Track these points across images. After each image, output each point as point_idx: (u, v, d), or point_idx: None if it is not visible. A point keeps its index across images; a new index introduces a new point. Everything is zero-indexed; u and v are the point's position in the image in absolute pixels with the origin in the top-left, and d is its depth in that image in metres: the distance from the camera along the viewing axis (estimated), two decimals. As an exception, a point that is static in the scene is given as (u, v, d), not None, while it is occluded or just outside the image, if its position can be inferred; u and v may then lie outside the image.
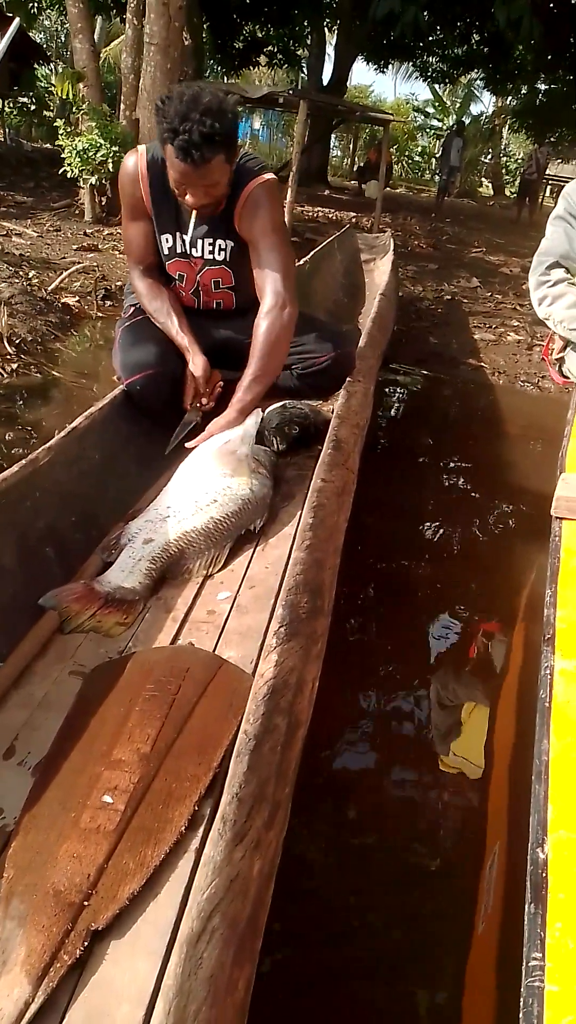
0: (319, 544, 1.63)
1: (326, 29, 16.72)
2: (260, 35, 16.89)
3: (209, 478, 2.04)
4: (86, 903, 1.07)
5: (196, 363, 2.28)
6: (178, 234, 2.29)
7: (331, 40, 17.55)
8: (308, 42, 17.07)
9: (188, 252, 2.32)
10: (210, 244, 2.31)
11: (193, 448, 2.15)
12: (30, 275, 5.51)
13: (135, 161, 2.21)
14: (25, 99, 14.93)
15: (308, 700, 1.32)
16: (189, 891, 1.09)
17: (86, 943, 1.02)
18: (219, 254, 2.34)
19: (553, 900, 0.87)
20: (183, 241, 2.30)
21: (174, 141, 1.94)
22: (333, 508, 1.85)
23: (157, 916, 1.06)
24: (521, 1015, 0.78)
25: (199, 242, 2.30)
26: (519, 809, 1.82)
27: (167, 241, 2.30)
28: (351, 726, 2.11)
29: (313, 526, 1.66)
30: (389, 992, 1.45)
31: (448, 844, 1.79)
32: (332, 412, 2.68)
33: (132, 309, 2.46)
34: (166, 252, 2.32)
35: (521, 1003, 0.79)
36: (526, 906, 0.88)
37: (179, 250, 2.32)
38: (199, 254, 2.33)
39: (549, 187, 20.70)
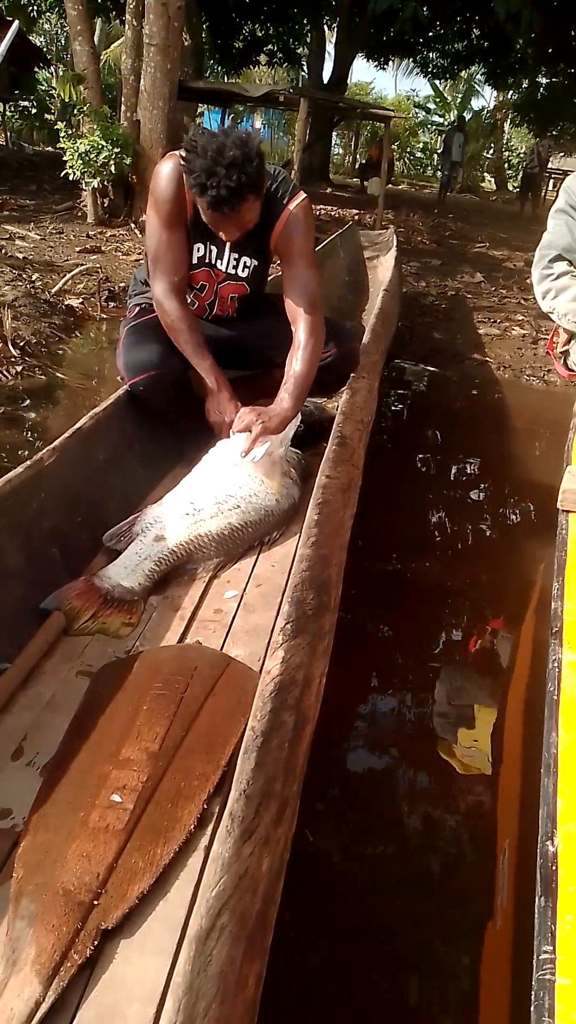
0: (325, 540, 1.63)
1: (325, 27, 16.69)
2: (260, 34, 16.85)
3: (239, 478, 2.03)
4: (96, 902, 1.07)
5: (227, 408, 2.23)
6: (209, 244, 2.29)
7: (331, 38, 17.53)
8: (308, 40, 17.02)
9: (214, 263, 2.33)
10: (235, 259, 2.34)
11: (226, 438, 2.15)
12: (33, 278, 5.52)
13: (175, 165, 2.12)
14: (26, 102, 14.97)
15: (316, 696, 1.32)
16: (197, 889, 1.09)
17: (96, 942, 1.02)
18: (243, 271, 2.37)
19: (563, 893, 0.87)
20: (212, 251, 2.31)
21: (203, 195, 1.96)
22: (338, 504, 1.85)
23: (167, 914, 1.06)
24: (532, 1008, 0.78)
25: (225, 254, 2.31)
26: (530, 803, 1.82)
27: (199, 250, 2.29)
28: (358, 722, 2.11)
29: (319, 523, 1.65)
30: (403, 987, 1.44)
31: (460, 839, 1.78)
32: (336, 409, 2.68)
33: (137, 309, 2.45)
34: (195, 261, 2.31)
35: (532, 996, 0.79)
36: (536, 899, 0.88)
37: (207, 260, 2.33)
38: (223, 267, 2.34)
39: (552, 180, 20.65)
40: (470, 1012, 1.40)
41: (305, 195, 2.31)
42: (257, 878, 0.91)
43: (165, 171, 2.16)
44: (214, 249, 2.30)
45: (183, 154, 1.99)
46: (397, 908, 1.58)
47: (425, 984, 1.44)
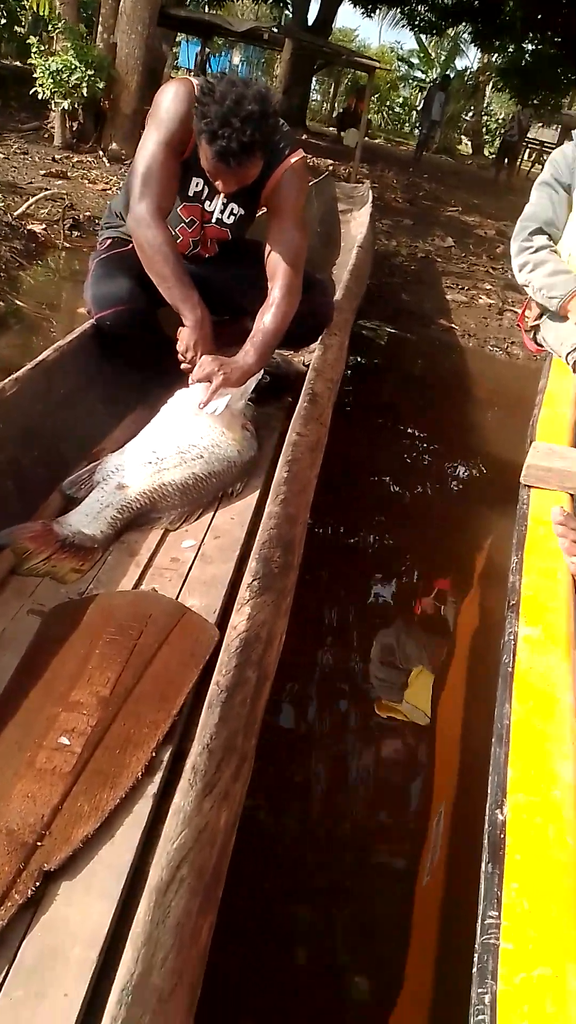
0: (292, 499, 1.62)
1: (315, -35, 16.23)
2: (247, -34, 16.36)
3: (200, 429, 1.99)
4: (39, 843, 1.06)
5: (199, 347, 2.14)
6: (206, 183, 2.20)
7: (320, -22, 17.04)
8: (296, -23, 16.55)
9: (203, 202, 2.26)
10: (223, 204, 2.27)
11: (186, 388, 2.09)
12: (-4, 198, 5.32)
13: (188, 90, 2.00)
14: (-5, 11, 14.26)
15: (276, 654, 1.32)
16: (146, 835, 1.09)
17: (38, 883, 1.01)
18: (228, 217, 2.31)
19: (510, 861, 0.89)
20: (205, 190, 2.23)
21: (212, 143, 1.89)
22: (307, 463, 1.84)
23: (112, 859, 1.05)
24: (475, 970, 0.80)
25: (216, 197, 2.25)
26: (468, 767, 1.87)
27: (196, 184, 2.21)
28: (302, 678, 2.12)
29: (288, 480, 1.64)
30: (331, 946, 1.48)
31: (395, 798, 1.82)
32: (304, 364, 2.65)
33: (109, 242, 2.38)
34: (191, 194, 2.23)
35: (475, 959, 0.81)
36: (483, 865, 0.90)
37: (201, 197, 2.25)
38: (211, 208, 2.28)
39: (528, 150, 20.59)
40: (402, 967, 1.44)
41: (304, 152, 2.25)
42: (215, 832, 0.91)
43: (178, 92, 2.03)
44: (207, 189, 2.23)
45: (198, 95, 1.91)
46: (327, 865, 1.61)
47: (353, 940, 1.48)
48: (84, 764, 1.19)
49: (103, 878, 1.03)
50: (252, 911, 1.44)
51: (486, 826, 0.95)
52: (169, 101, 2.05)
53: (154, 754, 1.21)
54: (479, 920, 0.85)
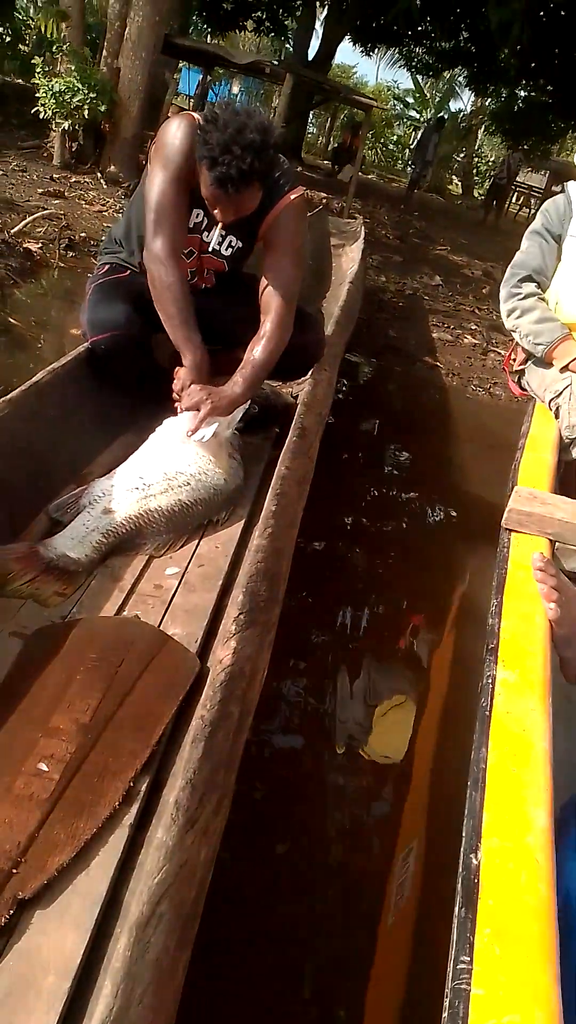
0: (280, 532, 1.64)
1: (317, 3, 16.49)
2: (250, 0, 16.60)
3: (187, 456, 2.01)
4: (14, 871, 1.06)
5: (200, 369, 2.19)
6: (205, 213, 2.24)
7: (321, 15, 17.31)
8: (298, 14, 16.80)
9: (203, 236, 2.30)
10: (221, 236, 2.30)
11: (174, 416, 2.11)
12: (-8, 214, 5.35)
13: (191, 126, 2.05)
14: (0, 29, 14.36)
15: (258, 688, 1.33)
16: (121, 866, 1.09)
17: (12, 911, 1.01)
18: (226, 249, 2.34)
19: (483, 906, 0.90)
20: (205, 221, 2.27)
21: (212, 170, 1.93)
22: (294, 497, 1.86)
23: (87, 889, 1.05)
24: (446, 1015, 0.81)
25: (214, 229, 2.28)
26: (437, 808, 1.87)
27: (197, 215, 2.25)
28: (274, 712, 2.13)
29: (276, 514, 1.66)
30: (296, 980, 1.47)
31: (364, 835, 1.83)
32: (292, 396, 2.68)
33: (107, 267, 2.40)
34: (191, 225, 2.26)
35: (446, 1004, 0.82)
36: (456, 909, 0.91)
37: (200, 228, 2.29)
38: (209, 239, 2.31)
39: (516, 193, 20.96)
40: (362, 1005, 1.44)
41: (304, 190, 2.29)
42: (195, 867, 0.92)
43: (181, 127, 2.08)
44: (207, 219, 2.26)
45: (201, 122, 1.95)
46: (294, 903, 1.61)
47: (317, 978, 1.48)
48: (62, 791, 1.19)
49: (77, 908, 1.03)
50: (216, 950, 1.44)
51: (460, 870, 0.96)
52: (173, 137, 2.09)
53: (131, 784, 1.21)
54: (451, 964, 0.85)
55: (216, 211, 2.09)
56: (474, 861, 0.96)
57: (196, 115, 2.08)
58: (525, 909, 0.90)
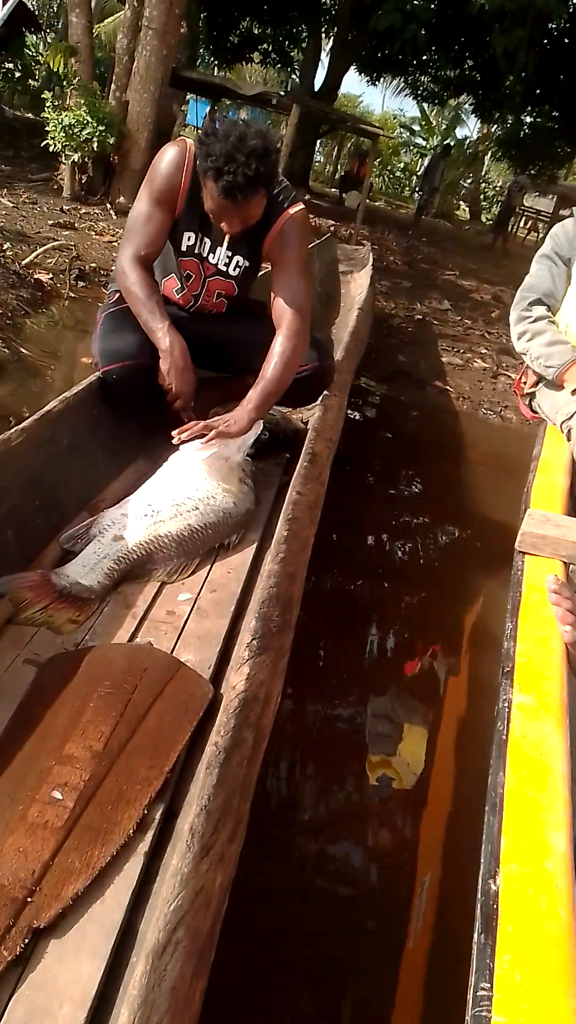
0: (292, 557, 1.64)
1: (323, 35, 16.75)
2: (256, 32, 16.85)
3: (196, 481, 2.02)
4: (29, 899, 1.06)
5: (182, 379, 2.21)
6: (202, 235, 2.28)
7: (327, 46, 17.58)
8: (304, 45, 17.06)
9: (205, 255, 2.32)
10: (228, 256, 2.33)
11: (186, 442, 2.11)
12: (4, 247, 5.41)
13: (181, 151, 2.16)
14: (11, 65, 14.63)
15: (272, 714, 1.32)
16: (136, 894, 1.09)
17: (27, 940, 1.00)
18: (233, 269, 2.36)
19: (503, 932, 0.89)
20: (206, 244, 2.30)
21: (218, 180, 1.97)
22: (306, 521, 1.86)
23: (103, 917, 1.05)
24: (467, 1044, 0.80)
25: (218, 250, 2.31)
26: (456, 833, 1.86)
27: (188, 239, 2.29)
28: (291, 736, 2.12)
29: (288, 539, 1.66)
30: (315, 1008, 1.46)
31: (381, 863, 1.81)
32: (303, 422, 2.70)
33: (116, 296, 2.43)
34: (183, 248, 2.30)
35: (467, 1033, 0.81)
36: (475, 936, 0.90)
37: (197, 250, 2.32)
38: (215, 261, 2.34)
39: (524, 218, 21.08)
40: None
41: (304, 204, 2.32)
42: (211, 894, 0.91)
43: (171, 153, 2.18)
44: (208, 242, 2.29)
45: (201, 136, 2.00)
46: (310, 933, 1.59)
47: (336, 1008, 1.46)
48: (76, 819, 1.18)
49: (93, 936, 1.02)
50: (235, 977, 1.42)
51: (479, 896, 0.95)
52: (160, 161, 2.20)
53: (146, 811, 1.21)
54: (470, 992, 0.84)
55: (222, 223, 2.12)
56: (493, 887, 0.95)
57: (189, 140, 2.16)
58: (545, 935, 0.89)
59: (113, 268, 2.63)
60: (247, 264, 2.37)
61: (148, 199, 2.23)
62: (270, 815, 1.81)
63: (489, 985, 0.83)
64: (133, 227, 2.26)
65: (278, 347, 2.22)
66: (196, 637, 1.68)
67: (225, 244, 2.25)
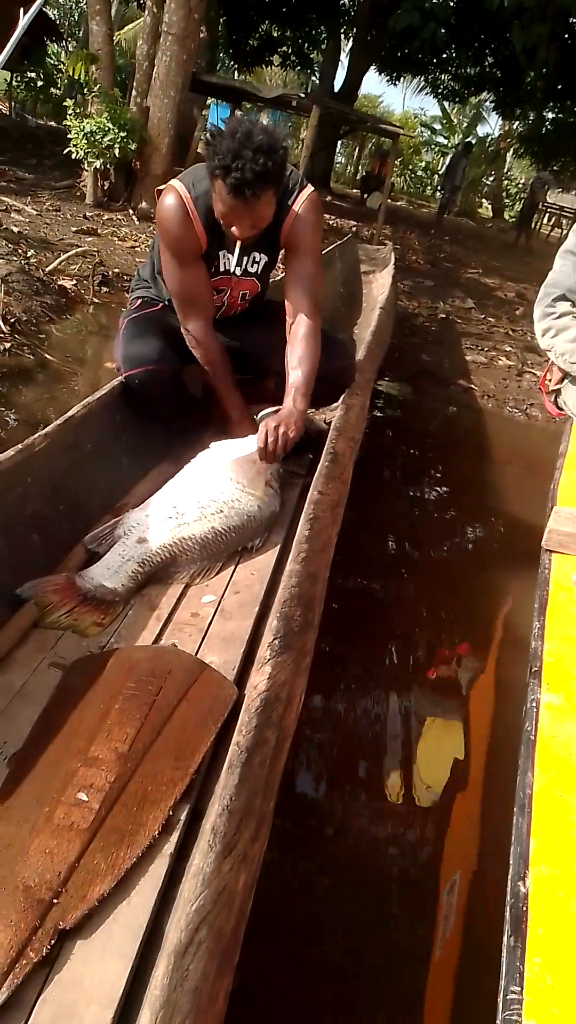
0: (314, 557, 1.63)
1: (342, 36, 16.74)
2: (275, 34, 16.89)
3: (221, 483, 2.02)
4: (55, 900, 1.06)
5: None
6: (224, 252, 2.28)
7: (346, 47, 17.57)
8: (323, 47, 17.07)
9: (231, 269, 2.32)
10: (247, 257, 2.32)
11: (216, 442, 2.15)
12: (28, 254, 5.45)
13: (180, 202, 2.12)
14: (33, 74, 14.79)
15: (295, 714, 1.32)
16: (162, 895, 1.09)
17: (54, 941, 1.01)
18: (252, 266, 2.36)
19: (532, 935, 0.88)
20: (229, 260, 2.30)
21: (226, 178, 1.94)
22: (328, 521, 1.85)
23: (128, 918, 1.05)
24: (496, 1048, 0.79)
25: (235, 255, 2.29)
26: (484, 836, 1.84)
27: (214, 261, 2.29)
28: (315, 737, 2.11)
29: (309, 538, 1.66)
30: (342, 1014, 1.45)
31: (406, 865, 1.80)
32: (325, 421, 2.69)
33: (139, 302, 2.44)
34: (211, 270, 2.30)
35: (496, 1037, 0.80)
36: (505, 938, 0.89)
37: (222, 268, 2.31)
38: (239, 266, 2.33)
39: (548, 214, 20.92)
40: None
41: (313, 188, 2.30)
42: (234, 894, 0.91)
43: (170, 204, 2.14)
44: (230, 257, 2.28)
45: (208, 136, 1.99)
46: (345, 933, 1.59)
47: (365, 1013, 1.45)
48: (101, 821, 1.19)
49: (119, 937, 1.02)
50: (260, 980, 1.42)
51: (508, 898, 0.94)
52: (166, 218, 2.16)
53: (171, 812, 1.21)
54: (500, 995, 0.83)
55: (232, 228, 2.09)
56: (522, 889, 0.94)
57: (174, 182, 2.16)
58: None
59: (135, 275, 2.64)
60: (266, 259, 2.36)
61: (178, 263, 2.20)
62: (294, 814, 1.81)
63: (519, 988, 0.82)
64: (182, 296, 2.26)
65: (299, 338, 2.22)
66: (220, 639, 1.68)
67: (238, 247, 2.22)
